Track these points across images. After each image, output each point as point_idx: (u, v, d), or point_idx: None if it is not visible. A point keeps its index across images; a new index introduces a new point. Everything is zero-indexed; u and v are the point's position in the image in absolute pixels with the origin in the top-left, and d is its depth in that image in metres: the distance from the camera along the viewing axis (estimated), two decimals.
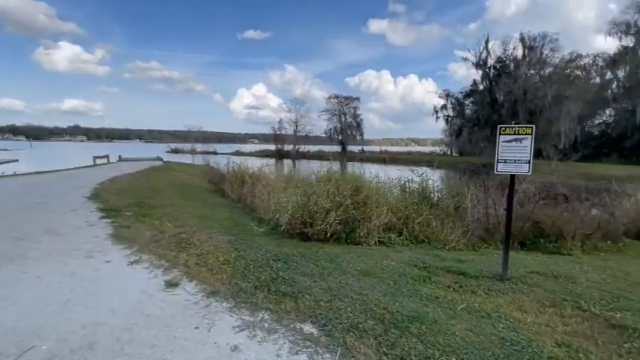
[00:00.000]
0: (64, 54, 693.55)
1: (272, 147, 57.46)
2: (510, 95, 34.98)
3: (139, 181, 11.86)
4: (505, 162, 3.38)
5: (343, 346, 2.09)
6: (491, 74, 38.86)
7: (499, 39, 40.08)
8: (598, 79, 37.09)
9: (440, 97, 46.31)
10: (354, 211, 5.20)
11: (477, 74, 40.76)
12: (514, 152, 3.33)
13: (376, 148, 68.72)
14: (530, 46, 35.41)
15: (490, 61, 38.77)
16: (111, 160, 24.24)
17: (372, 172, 7.35)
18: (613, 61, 35.00)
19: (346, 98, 54.53)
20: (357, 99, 55.54)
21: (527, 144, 3.28)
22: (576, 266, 4.13)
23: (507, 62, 37.68)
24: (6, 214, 5.91)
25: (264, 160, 18.45)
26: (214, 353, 2.03)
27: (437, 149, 60.13)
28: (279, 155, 49.66)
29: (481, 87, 40.92)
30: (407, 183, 6.99)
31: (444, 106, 45.86)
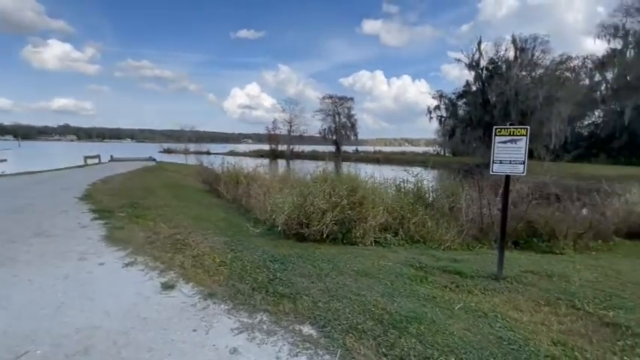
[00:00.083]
0: (54, 52, 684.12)
1: (266, 147, 57.19)
2: (502, 96, 35.53)
3: (131, 182, 11.71)
4: (501, 163, 3.42)
5: (343, 348, 2.09)
6: (483, 75, 39.39)
7: (491, 40, 40.92)
8: (587, 81, 37.80)
9: (433, 97, 46.88)
10: (350, 212, 5.21)
11: (469, 75, 41.42)
12: (509, 153, 3.37)
13: (370, 148, 68.78)
14: (521, 47, 36.03)
15: (482, 63, 39.39)
16: (102, 160, 23.90)
17: (367, 172, 7.36)
18: (602, 64, 35.67)
19: (340, 98, 54.87)
20: (351, 99, 55.97)
21: (522, 145, 3.32)
22: (569, 265, 4.20)
23: (499, 64, 38.22)
24: None
25: (259, 160, 18.39)
26: (213, 356, 2.01)
27: (430, 149, 60.53)
28: (274, 155, 49.46)
29: (474, 88, 41.46)
30: (402, 183, 7.04)
31: (437, 107, 46.35)
